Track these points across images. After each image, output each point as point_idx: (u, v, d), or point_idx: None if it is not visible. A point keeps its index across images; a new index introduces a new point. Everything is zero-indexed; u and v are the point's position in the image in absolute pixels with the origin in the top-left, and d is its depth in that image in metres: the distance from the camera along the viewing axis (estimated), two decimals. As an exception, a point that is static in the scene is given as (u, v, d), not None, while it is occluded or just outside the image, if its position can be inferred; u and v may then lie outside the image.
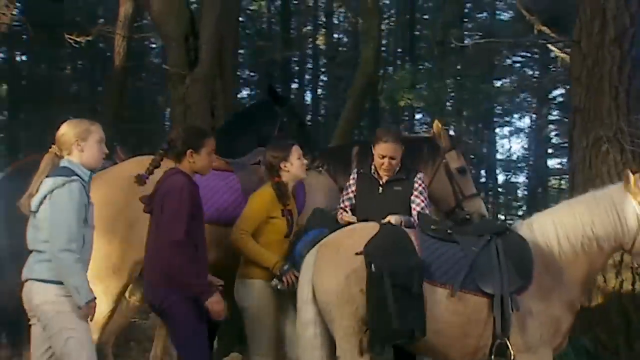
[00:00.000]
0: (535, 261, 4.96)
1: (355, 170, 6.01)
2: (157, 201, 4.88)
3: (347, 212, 5.76)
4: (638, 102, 7.49)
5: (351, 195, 5.89)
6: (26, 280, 4.53)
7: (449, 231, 5.13)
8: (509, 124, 33.14)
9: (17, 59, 22.25)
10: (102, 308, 5.31)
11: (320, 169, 6.30)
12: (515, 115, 29.27)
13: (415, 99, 19.09)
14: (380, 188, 5.78)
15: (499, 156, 35.73)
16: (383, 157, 5.66)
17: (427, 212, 5.67)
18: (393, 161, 5.68)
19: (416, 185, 5.76)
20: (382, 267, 4.63)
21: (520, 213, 26.05)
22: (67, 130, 4.58)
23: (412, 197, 5.73)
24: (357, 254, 4.77)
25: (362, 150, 6.25)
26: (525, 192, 28.33)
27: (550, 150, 25.44)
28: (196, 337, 4.83)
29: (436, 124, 6.50)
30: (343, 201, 5.91)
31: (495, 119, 31.64)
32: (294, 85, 31.13)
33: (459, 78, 21.98)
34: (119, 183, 5.56)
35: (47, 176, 4.49)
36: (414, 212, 5.63)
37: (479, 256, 4.93)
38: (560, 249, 5.03)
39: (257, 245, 5.32)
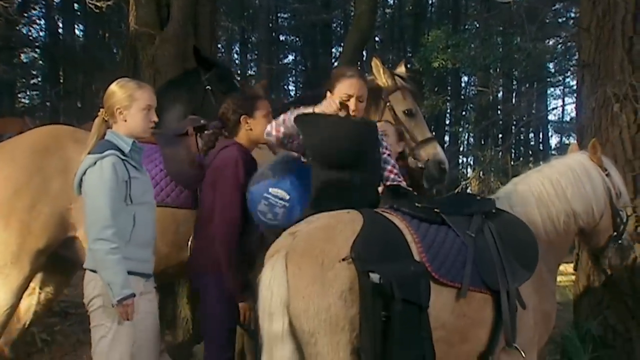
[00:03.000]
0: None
1: None
2: (207, 177, 4.61)
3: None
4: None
5: None
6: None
7: (436, 210, 4.10)
8: (561, 83, 31.87)
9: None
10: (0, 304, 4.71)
11: None
12: (569, 75, 28.01)
13: (451, 59, 17.99)
14: None
15: (551, 117, 34.54)
16: (349, 97, 4.35)
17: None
18: (361, 103, 4.42)
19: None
20: (389, 277, 3.47)
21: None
22: (110, 95, 4.17)
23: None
24: (343, 260, 3.57)
25: None
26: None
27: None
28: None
29: (374, 62, 5.55)
30: None
31: (547, 79, 30.44)
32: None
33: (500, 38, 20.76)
34: (16, 157, 4.80)
35: (89, 152, 4.09)
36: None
37: (477, 243, 4.00)
38: (545, 228, 4.35)
39: None
